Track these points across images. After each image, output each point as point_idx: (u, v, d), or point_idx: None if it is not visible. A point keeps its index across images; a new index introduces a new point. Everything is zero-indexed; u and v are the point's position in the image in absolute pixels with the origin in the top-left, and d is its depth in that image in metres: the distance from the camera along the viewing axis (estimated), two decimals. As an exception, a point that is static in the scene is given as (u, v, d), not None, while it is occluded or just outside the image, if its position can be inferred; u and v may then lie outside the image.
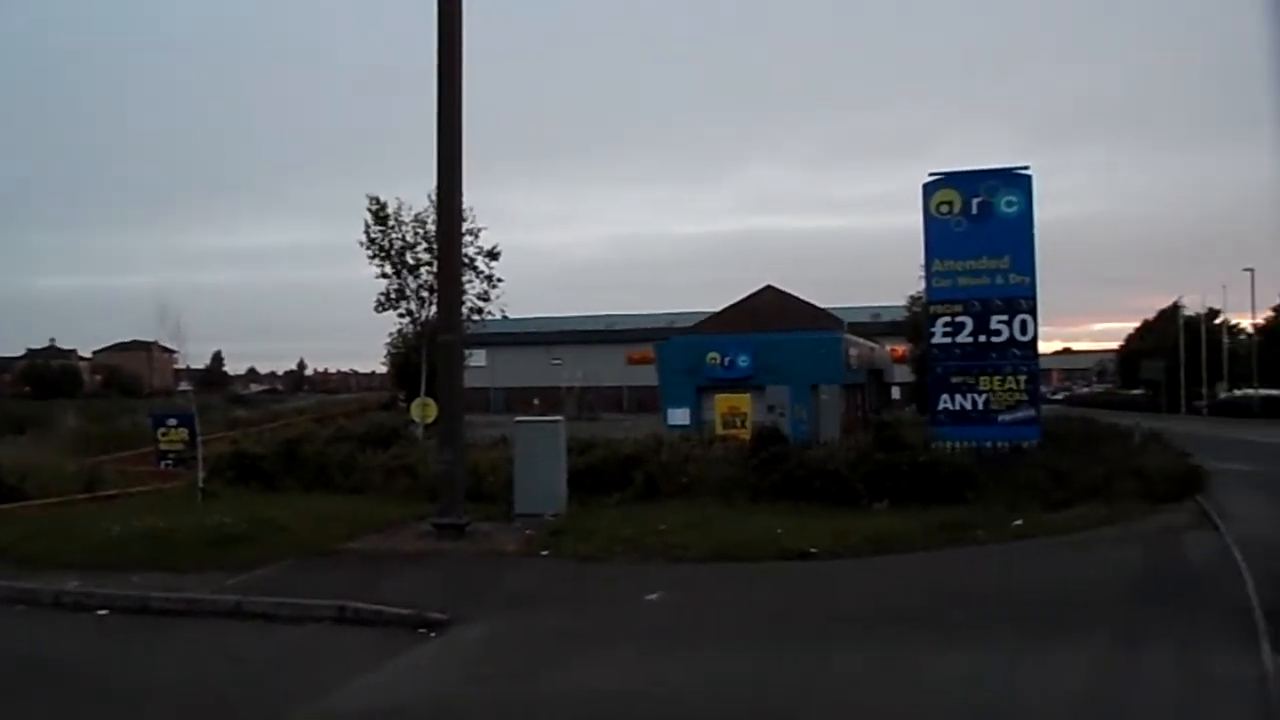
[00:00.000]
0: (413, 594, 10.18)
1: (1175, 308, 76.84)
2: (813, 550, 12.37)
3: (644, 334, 66.62)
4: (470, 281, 25.61)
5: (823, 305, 56.04)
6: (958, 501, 16.45)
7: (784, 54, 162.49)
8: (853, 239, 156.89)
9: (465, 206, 24.53)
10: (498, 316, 27.47)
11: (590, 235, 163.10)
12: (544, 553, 12.56)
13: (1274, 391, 64.57)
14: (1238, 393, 68.44)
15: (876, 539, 13.21)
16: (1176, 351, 70.62)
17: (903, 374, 54.84)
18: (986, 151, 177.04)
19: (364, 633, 9.23)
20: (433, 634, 8.97)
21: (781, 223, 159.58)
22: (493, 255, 26.09)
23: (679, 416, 35.49)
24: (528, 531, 13.84)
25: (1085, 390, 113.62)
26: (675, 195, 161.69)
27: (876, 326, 65.24)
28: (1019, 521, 14.60)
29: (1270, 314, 68.06)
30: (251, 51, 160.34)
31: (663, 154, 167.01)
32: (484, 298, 26.13)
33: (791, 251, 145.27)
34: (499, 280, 26.36)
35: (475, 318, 26.79)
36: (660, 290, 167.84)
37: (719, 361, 38.47)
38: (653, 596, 10.04)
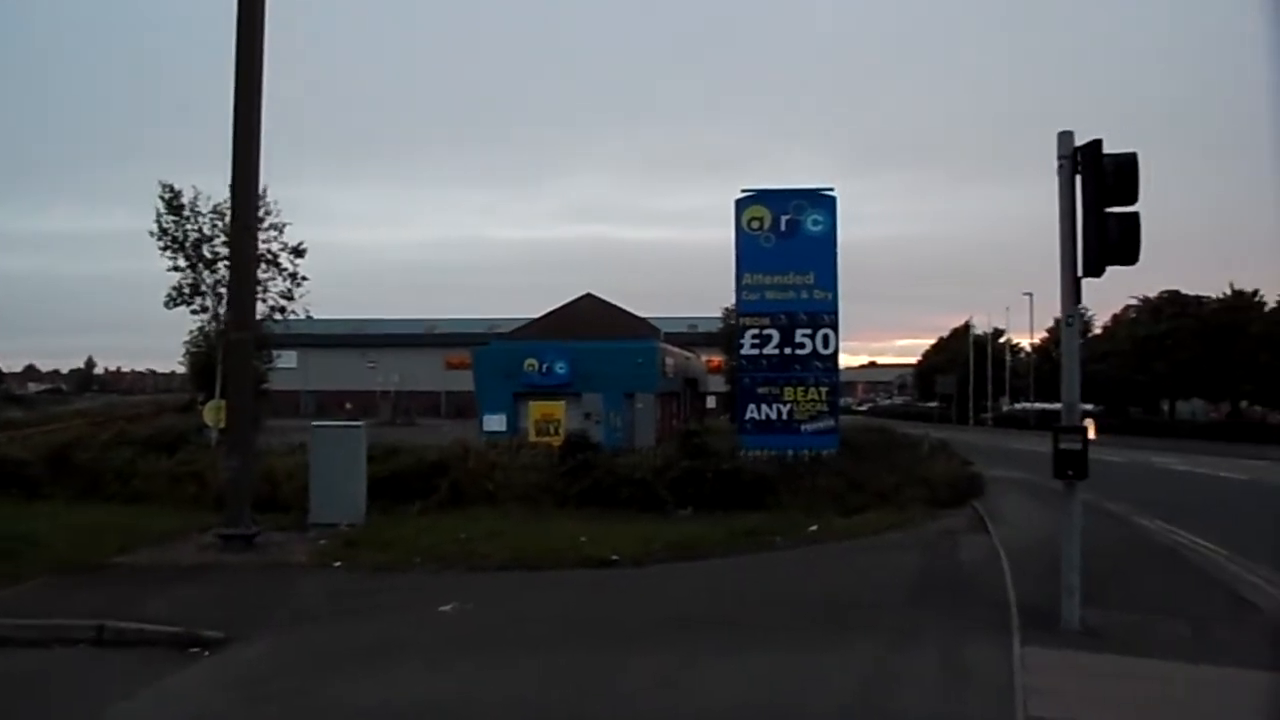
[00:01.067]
0: (187, 610, 9.47)
1: (966, 327, 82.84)
2: (614, 557, 12.38)
3: (464, 339, 65.62)
4: (273, 278, 24.28)
5: (641, 315, 56.90)
6: (759, 508, 16.95)
7: (613, 64, 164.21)
8: (673, 251, 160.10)
9: (270, 199, 23.30)
10: (301, 316, 26.12)
11: (413, 236, 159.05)
12: (337, 564, 12.00)
13: (1049, 405, 70.44)
14: (1017, 406, 74.44)
15: (678, 545, 13.37)
16: (967, 367, 76.06)
17: (717, 384, 56.23)
18: (803, 171, 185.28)
19: (127, 655, 8.46)
20: (206, 653, 8.36)
21: (605, 231, 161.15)
22: (298, 252, 24.78)
23: (495, 423, 35.07)
24: (322, 542, 13.20)
25: (887, 402, 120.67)
26: (501, 200, 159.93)
27: (693, 337, 66.79)
28: (814, 527, 15.17)
29: (1045, 335, 74.14)
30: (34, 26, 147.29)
31: (490, 157, 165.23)
32: (287, 296, 24.76)
33: (613, 261, 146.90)
34: (304, 278, 25.06)
35: (278, 317, 25.40)
36: (483, 295, 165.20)
37: (537, 368, 38.27)
38: (447, 607, 9.75)
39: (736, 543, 13.70)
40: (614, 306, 50.72)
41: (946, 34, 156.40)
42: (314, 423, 17.16)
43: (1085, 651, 7.52)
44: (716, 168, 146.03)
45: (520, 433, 33.32)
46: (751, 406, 23.19)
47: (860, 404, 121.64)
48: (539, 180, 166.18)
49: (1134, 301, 63.33)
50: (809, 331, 23.11)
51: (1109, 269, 7.89)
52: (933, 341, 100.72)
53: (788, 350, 23.09)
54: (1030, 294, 71.83)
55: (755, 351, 23.24)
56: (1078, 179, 7.91)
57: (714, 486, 16.96)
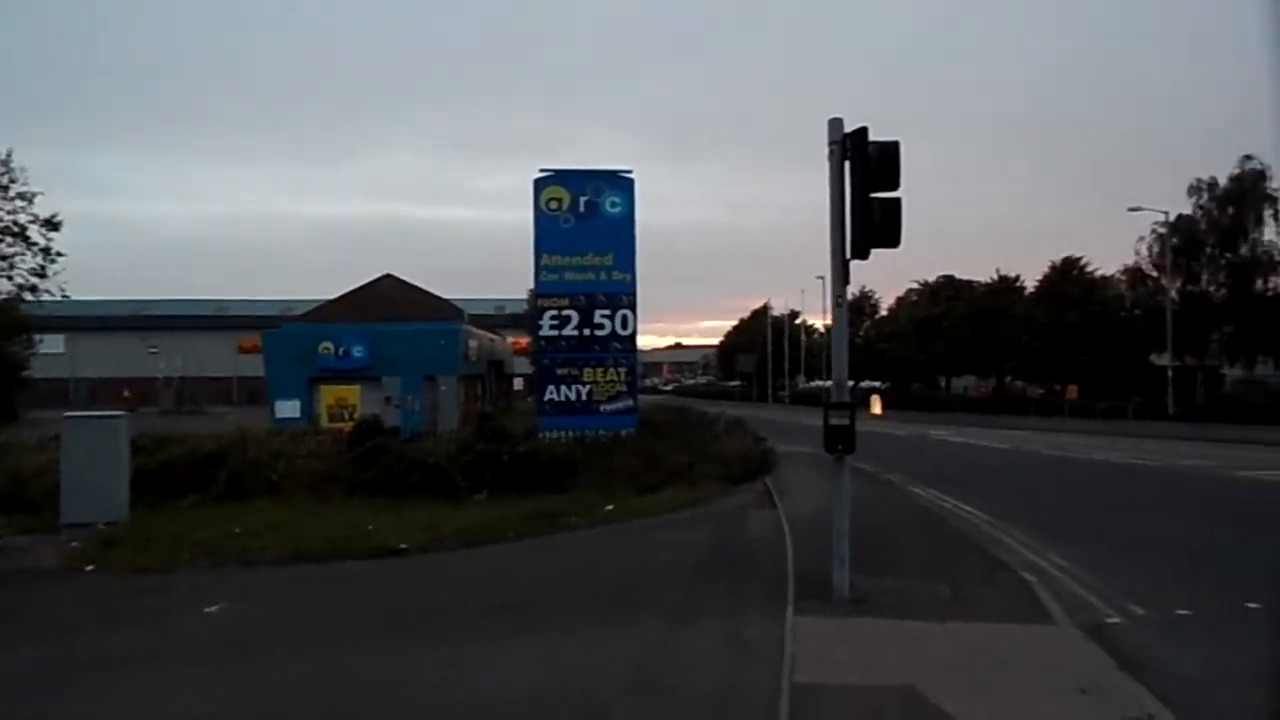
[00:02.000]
0: (-97, 627, 8.41)
1: (765, 309, 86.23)
2: (403, 546, 12.00)
3: (258, 321, 61.98)
4: (20, 254, 22.01)
5: (446, 296, 55.69)
6: (557, 490, 16.93)
7: (423, 43, 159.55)
8: (480, 231, 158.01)
9: (14, 164, 21.05)
10: (56, 296, 23.84)
11: (203, 211, 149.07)
12: (89, 567, 11.00)
13: (839, 383, 74.38)
14: (812, 384, 78.23)
15: (471, 531, 13.13)
16: (766, 347, 79.20)
17: (524, 366, 55.91)
18: (612, 155, 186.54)
19: None
20: (-71, 675, 7.42)
21: (411, 211, 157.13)
22: (52, 225, 22.60)
23: (288, 409, 33.42)
24: (74, 544, 12.08)
25: (691, 382, 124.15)
26: (303, 176, 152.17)
27: (500, 319, 66.22)
28: (610, 507, 15.27)
29: (837, 315, 77.98)
30: None
31: (292, 131, 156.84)
32: (39, 273, 22.54)
33: (419, 241, 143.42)
34: (59, 254, 22.85)
35: (29, 296, 23.08)
36: (279, 275, 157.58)
37: (333, 351, 36.75)
38: (214, 608, 9.11)
39: (531, 526, 13.60)
40: (415, 288, 49.36)
41: (749, 24, 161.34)
42: (67, 414, 15.69)
43: (854, 617, 7.88)
44: (526, 149, 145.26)
45: (316, 419, 31.99)
46: (551, 388, 23.16)
47: (666, 384, 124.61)
48: (343, 157, 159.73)
49: (915, 285, 67.84)
50: (608, 312, 23.29)
51: (888, 252, 8.25)
52: (734, 323, 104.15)
53: (587, 331, 23.21)
54: (823, 277, 74.78)
55: (554, 332, 23.21)
56: (846, 165, 8.20)
57: (511, 470, 16.77)
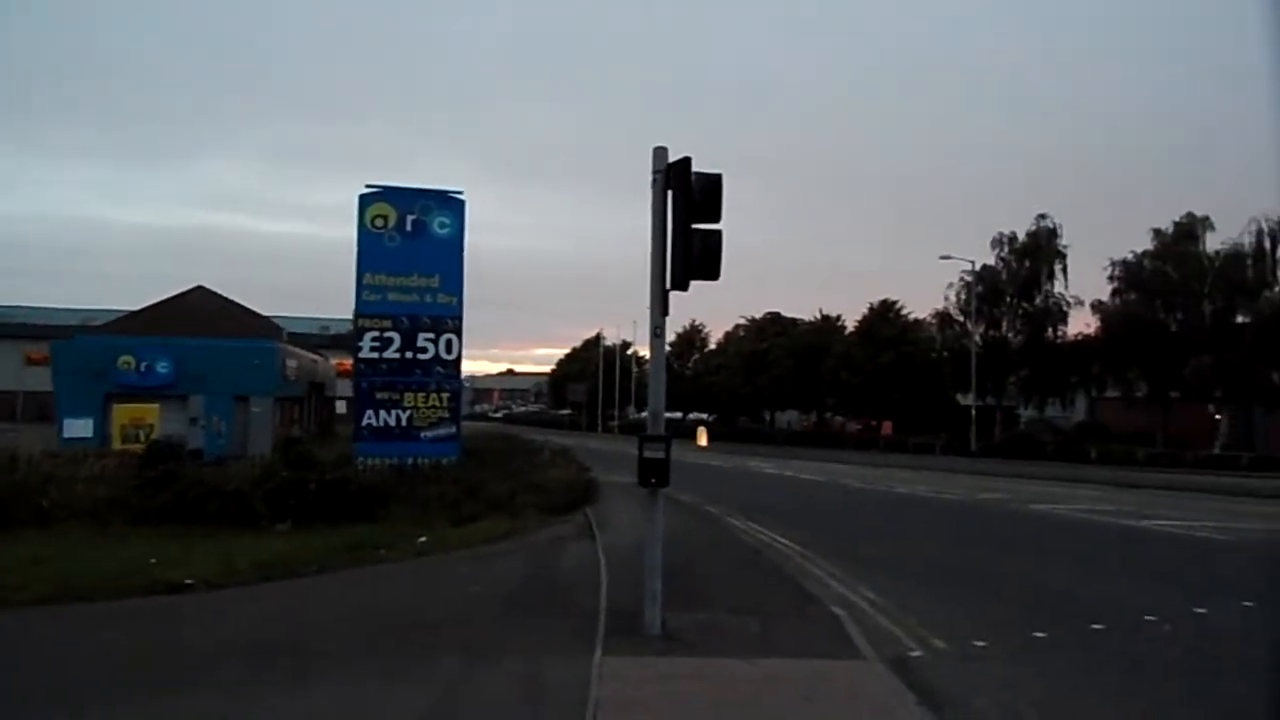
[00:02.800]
0: None
1: (598, 338, 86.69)
2: (189, 581, 10.98)
3: (52, 331, 56.98)
4: None
5: (269, 314, 53.02)
6: (369, 520, 16.11)
7: (257, 52, 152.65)
8: (308, 248, 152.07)
9: None
10: None
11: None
12: None
13: (670, 414, 75.27)
14: (642, 415, 79.05)
15: (269, 564, 12.18)
16: (597, 377, 79.44)
17: (347, 388, 53.76)
18: (453, 179, 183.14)
19: None
20: None
21: (235, 222, 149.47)
22: None
23: (78, 428, 30.69)
24: None
25: (523, 409, 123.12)
26: (120, 177, 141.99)
27: (323, 339, 63.59)
28: (424, 538, 14.61)
29: (669, 349, 79.14)
30: None
31: (112, 127, 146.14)
32: None
33: (241, 255, 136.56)
34: None
35: None
36: (83, 281, 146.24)
37: (134, 366, 34.15)
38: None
39: (335, 558, 12.80)
40: (231, 302, 46.77)
41: (591, 58, 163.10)
42: None
43: (663, 656, 7.66)
44: (362, 166, 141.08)
45: (111, 439, 29.49)
46: (370, 412, 22.21)
47: (496, 411, 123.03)
48: (165, 161, 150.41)
49: (743, 320, 69.75)
50: (432, 336, 22.59)
51: (720, 288, 8.18)
52: (567, 351, 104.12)
53: (409, 354, 22.43)
54: (654, 309, 76.22)
55: (375, 355, 22.32)
56: (669, 195, 8.10)
57: (318, 498, 15.83)
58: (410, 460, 21.84)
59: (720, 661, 7.60)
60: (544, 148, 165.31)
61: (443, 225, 22.88)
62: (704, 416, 70.43)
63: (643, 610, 8.51)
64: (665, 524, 17.73)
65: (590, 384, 79.72)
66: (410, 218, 22.65)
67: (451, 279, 23.04)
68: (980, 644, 8.64)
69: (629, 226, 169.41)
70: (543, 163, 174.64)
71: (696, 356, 74.51)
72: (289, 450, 17.05)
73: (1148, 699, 7.24)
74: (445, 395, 22.75)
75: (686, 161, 7.99)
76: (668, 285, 8.08)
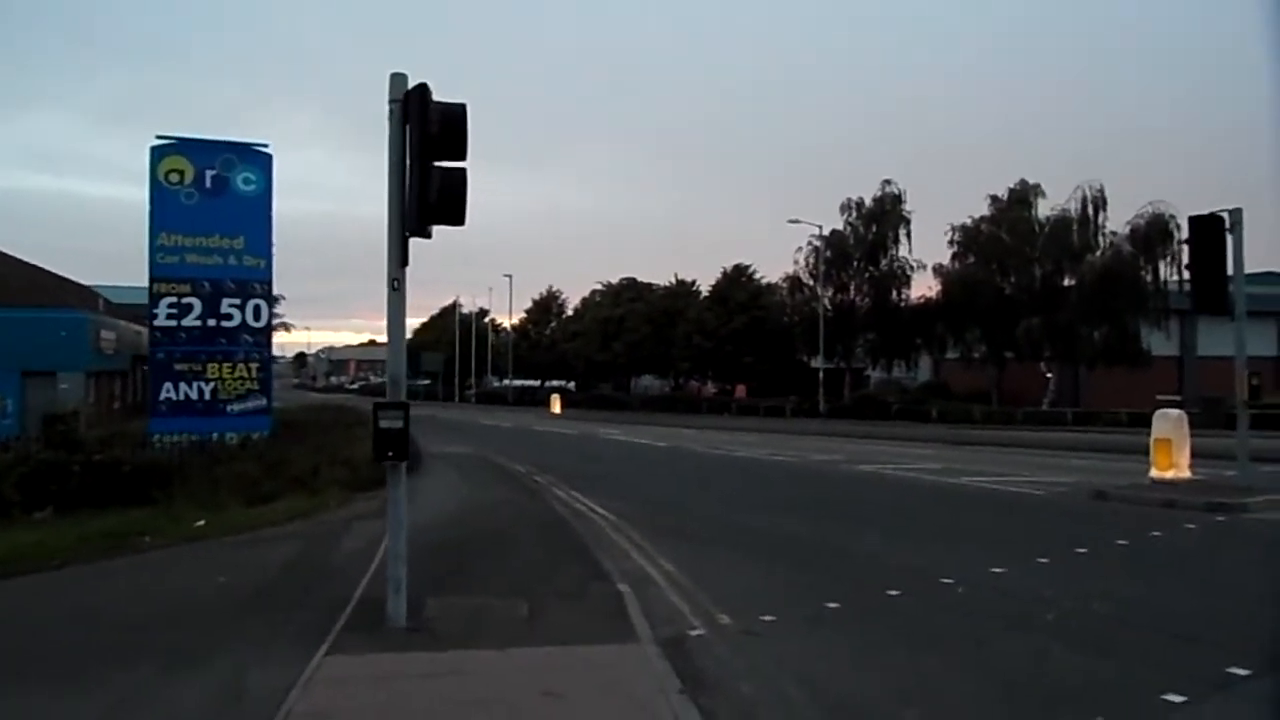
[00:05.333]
0: None
1: (454, 306, 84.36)
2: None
3: None
4: None
5: (94, 283, 49.11)
6: (146, 503, 14.63)
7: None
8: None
9: None
10: None
11: None
12: None
13: (526, 382, 74.24)
14: (499, 384, 77.49)
15: (7, 559, 10.71)
16: (454, 346, 77.36)
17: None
18: (307, 142, 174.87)
19: None
20: None
21: (65, 186, 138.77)
22: None
23: None
24: None
25: (379, 380, 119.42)
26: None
27: (154, 309, 59.39)
28: (201, 522, 13.31)
29: (524, 315, 77.83)
30: None
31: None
32: None
33: (68, 219, 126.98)
34: None
35: None
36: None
37: (-93, 342, 30.77)
38: None
39: (86, 549, 11.37)
40: (37, 269, 42.86)
41: (449, 22, 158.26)
42: None
43: (399, 652, 6.76)
44: (207, 124, 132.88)
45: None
46: (168, 385, 20.42)
47: (353, 382, 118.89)
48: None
49: (599, 286, 68.97)
50: (238, 301, 20.90)
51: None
52: (424, 320, 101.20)
53: (212, 322, 20.70)
54: (510, 275, 74.88)
55: (173, 323, 20.49)
56: (407, 130, 7.09)
57: (84, 482, 14.24)
58: (216, 437, 20.27)
59: (465, 654, 6.75)
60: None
61: (247, 181, 21.11)
62: (559, 384, 69.56)
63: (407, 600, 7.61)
64: (486, 495, 16.99)
65: (447, 353, 77.57)
66: (210, 173, 20.79)
67: (258, 240, 21.33)
68: (768, 619, 8.09)
69: (485, 193, 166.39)
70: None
71: (554, 324, 73.40)
72: (49, 430, 15.24)
73: (925, 670, 6.80)
74: (254, 365, 21.13)
75: (423, 89, 6.99)
76: (406, 231, 7.08)
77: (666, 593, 9.23)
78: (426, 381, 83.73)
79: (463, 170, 7.10)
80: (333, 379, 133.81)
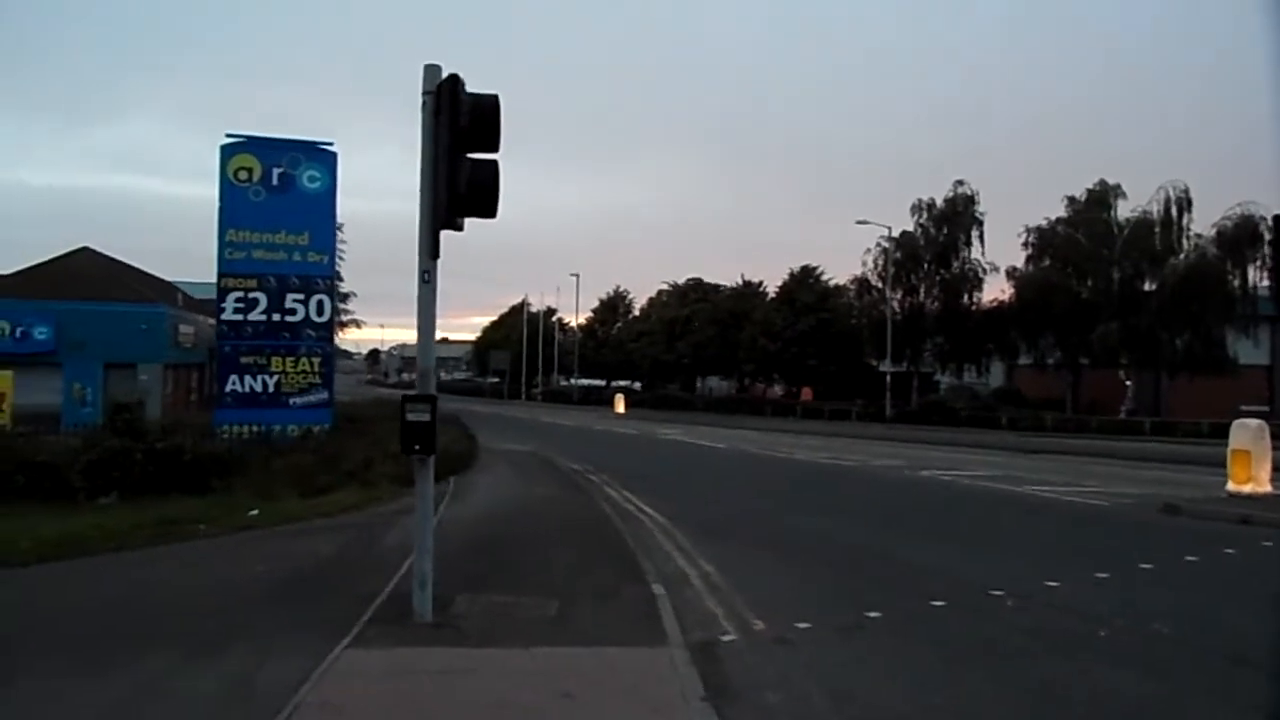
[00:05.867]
0: None
1: (523, 305, 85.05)
2: (-63, 565, 9.74)
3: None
4: None
5: (170, 278, 50.55)
6: (205, 492, 14.97)
7: (163, 8, 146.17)
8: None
9: None
10: None
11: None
12: None
13: (592, 381, 74.46)
14: (565, 383, 77.86)
15: (60, 543, 11.00)
16: (521, 344, 77.97)
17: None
18: (398, 140, 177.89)
19: None
20: None
21: (149, 185, 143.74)
22: None
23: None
24: None
25: (448, 378, 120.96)
26: (18, 137, 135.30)
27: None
28: (255, 511, 13.52)
29: (590, 315, 78.04)
30: None
31: (12, 87, 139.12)
32: None
33: (150, 217, 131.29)
34: None
35: None
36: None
37: (8, 332, 32.16)
38: None
39: (142, 535, 11.63)
40: (121, 264, 44.39)
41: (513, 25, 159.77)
42: None
43: (419, 647, 6.70)
44: (290, 126, 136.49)
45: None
46: (234, 378, 20.86)
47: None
48: (73, 120, 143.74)
49: (665, 286, 68.84)
50: (301, 297, 21.24)
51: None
52: (493, 319, 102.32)
53: (277, 316, 21.06)
54: (577, 275, 75.12)
55: (239, 317, 20.91)
56: (438, 121, 7.03)
57: (146, 469, 14.58)
58: (278, 429, 20.65)
59: (486, 652, 6.66)
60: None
61: (312, 179, 21.45)
62: (625, 384, 69.56)
63: (442, 595, 7.58)
64: (537, 492, 16.97)
65: (513, 351, 78.23)
66: (277, 170, 21.17)
67: (322, 236, 21.70)
68: (803, 626, 7.85)
69: (571, 192, 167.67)
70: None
71: (620, 324, 73.45)
72: (115, 417, 15.65)
73: (959, 687, 6.50)
74: (316, 360, 21.44)
75: (454, 79, 6.92)
76: (437, 224, 7.02)
77: (703, 596, 9.05)
78: (495, 380, 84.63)
79: (494, 162, 7.03)
80: (404, 375, 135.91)
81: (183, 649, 6.58)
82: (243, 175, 21.00)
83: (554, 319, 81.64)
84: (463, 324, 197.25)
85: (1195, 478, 19.56)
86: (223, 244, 20.80)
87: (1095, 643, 7.51)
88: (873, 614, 8.26)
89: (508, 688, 6.01)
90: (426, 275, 7.12)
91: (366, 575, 9.00)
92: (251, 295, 20.90)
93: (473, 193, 6.87)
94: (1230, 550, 11.60)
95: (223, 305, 20.95)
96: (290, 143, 21.68)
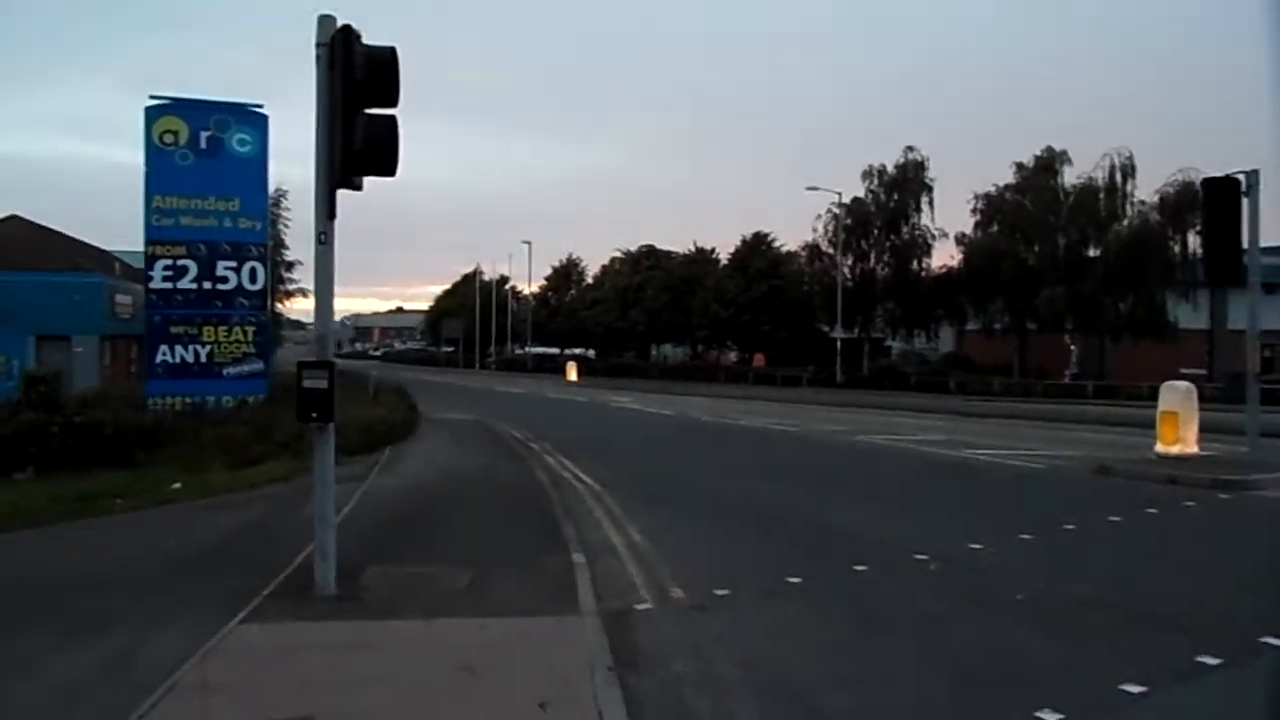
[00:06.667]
0: None
1: (475, 273, 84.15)
2: None
3: None
4: None
5: (113, 247, 49.12)
6: (128, 465, 14.55)
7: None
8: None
9: None
10: None
11: None
12: None
13: (546, 350, 74.07)
14: (519, 351, 77.36)
15: (-36, 520, 10.59)
16: (475, 313, 77.23)
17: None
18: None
19: None
20: None
21: (84, 150, 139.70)
22: None
23: None
24: None
25: (403, 347, 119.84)
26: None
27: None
28: (178, 485, 13.15)
29: (544, 282, 77.45)
30: None
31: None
32: None
33: (92, 183, 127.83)
34: None
35: None
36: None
37: (-71, 305, 30.98)
38: None
39: (57, 511, 11.25)
40: (55, 233, 42.91)
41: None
42: None
43: (317, 621, 6.49)
44: (239, 90, 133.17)
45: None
46: (164, 348, 20.30)
47: (376, 349, 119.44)
48: (11, 86, 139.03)
49: (618, 253, 68.43)
50: (234, 264, 20.66)
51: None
52: (446, 287, 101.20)
53: (208, 285, 20.49)
54: (529, 242, 74.45)
55: (169, 285, 20.31)
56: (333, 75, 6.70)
57: (65, 443, 14.10)
58: (211, 400, 20.17)
59: (388, 625, 6.47)
60: (435, 84, 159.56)
61: (242, 143, 20.79)
62: (580, 352, 69.28)
63: (353, 567, 7.38)
64: (473, 461, 16.73)
65: (467, 320, 77.50)
66: (204, 134, 20.49)
67: (254, 202, 21.06)
68: (722, 593, 7.75)
69: (517, 160, 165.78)
70: (437, 96, 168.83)
71: (574, 291, 72.97)
72: (30, 390, 15.11)
73: (871, 654, 6.43)
74: (250, 329, 20.91)
75: (347, 30, 6.60)
76: (333, 183, 6.72)
77: (626, 564, 8.93)
78: (449, 349, 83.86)
79: (392, 118, 6.72)
80: (357, 345, 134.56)
81: (65, 627, 6.30)
82: (168, 139, 20.30)
83: (507, 287, 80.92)
84: (419, 293, 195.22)
85: (1133, 439, 19.83)
86: (149, 210, 20.14)
87: (1013, 605, 7.49)
88: (794, 579, 8.19)
89: (403, 662, 5.82)
90: (323, 236, 6.82)
91: (278, 548, 8.73)
92: (181, 263, 20.30)
93: (369, 149, 6.57)
94: (1153, 510, 11.72)
95: (151, 273, 20.34)
96: (218, 104, 20.97)
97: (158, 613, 6.65)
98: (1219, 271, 14.66)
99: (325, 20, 6.80)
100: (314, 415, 6.87)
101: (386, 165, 6.69)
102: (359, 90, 6.59)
